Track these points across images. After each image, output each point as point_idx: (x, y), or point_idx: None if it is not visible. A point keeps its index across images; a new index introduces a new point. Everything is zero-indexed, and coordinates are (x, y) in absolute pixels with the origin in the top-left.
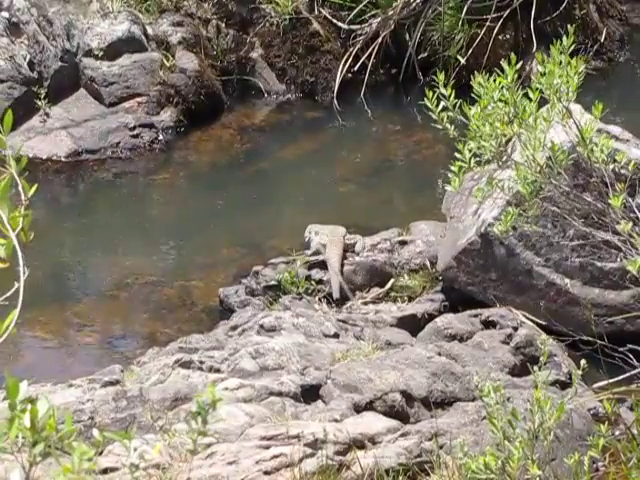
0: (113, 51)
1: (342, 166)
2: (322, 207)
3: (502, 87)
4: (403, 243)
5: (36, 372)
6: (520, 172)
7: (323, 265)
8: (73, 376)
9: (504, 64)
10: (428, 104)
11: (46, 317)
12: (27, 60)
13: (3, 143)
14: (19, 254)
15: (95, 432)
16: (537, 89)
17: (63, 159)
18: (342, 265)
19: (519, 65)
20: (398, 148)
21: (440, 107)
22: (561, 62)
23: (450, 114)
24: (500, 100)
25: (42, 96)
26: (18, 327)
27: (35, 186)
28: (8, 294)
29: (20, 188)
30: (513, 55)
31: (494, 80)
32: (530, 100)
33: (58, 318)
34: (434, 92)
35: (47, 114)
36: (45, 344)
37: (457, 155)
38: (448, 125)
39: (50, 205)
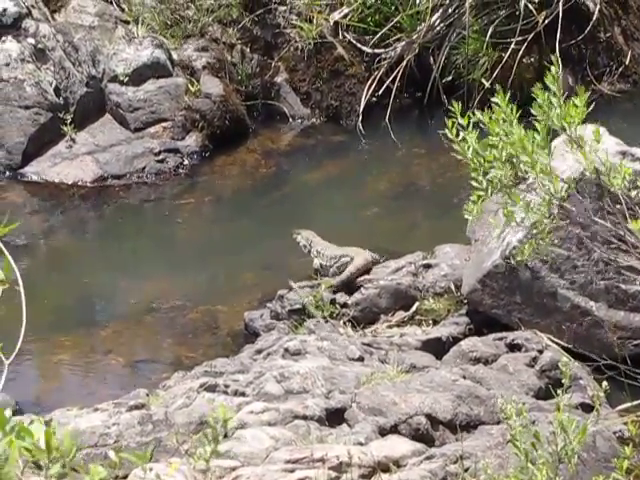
0: (138, 76)
1: (367, 190)
2: (347, 231)
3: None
4: (428, 266)
5: (62, 396)
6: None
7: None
8: (99, 400)
9: (499, 98)
10: (448, 134)
11: (72, 341)
12: (53, 86)
13: None
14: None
15: (111, 454)
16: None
17: (89, 184)
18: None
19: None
20: (422, 171)
21: (460, 137)
22: (555, 93)
23: (470, 143)
24: (505, 134)
25: (68, 122)
26: (44, 350)
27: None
28: None
29: None
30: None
31: (489, 117)
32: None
33: (84, 342)
34: (453, 122)
35: (73, 140)
36: (71, 368)
37: (474, 184)
38: (469, 155)
39: (76, 230)
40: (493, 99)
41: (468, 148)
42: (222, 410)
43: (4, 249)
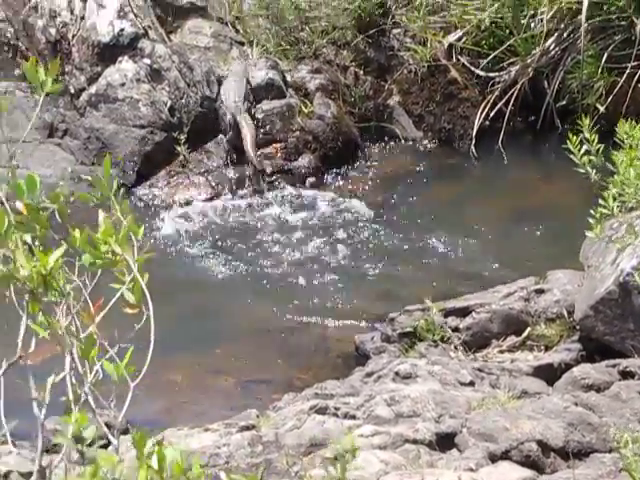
0: (252, 97)
1: (479, 213)
2: (459, 254)
3: None
4: (540, 292)
5: (172, 416)
6: None
7: (460, 312)
8: (209, 420)
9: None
10: (570, 147)
11: (182, 361)
12: (168, 106)
13: (105, 188)
14: (148, 298)
15: (222, 475)
16: None
17: (202, 203)
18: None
19: None
20: (536, 196)
21: (582, 151)
22: None
23: (593, 158)
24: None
25: (182, 141)
26: (155, 370)
27: (142, 228)
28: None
29: (131, 233)
30: None
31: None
32: None
33: (194, 362)
34: (576, 137)
35: (186, 159)
36: (181, 388)
37: (600, 201)
38: (589, 169)
39: (189, 248)
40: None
41: (590, 164)
42: (349, 438)
43: (139, 276)
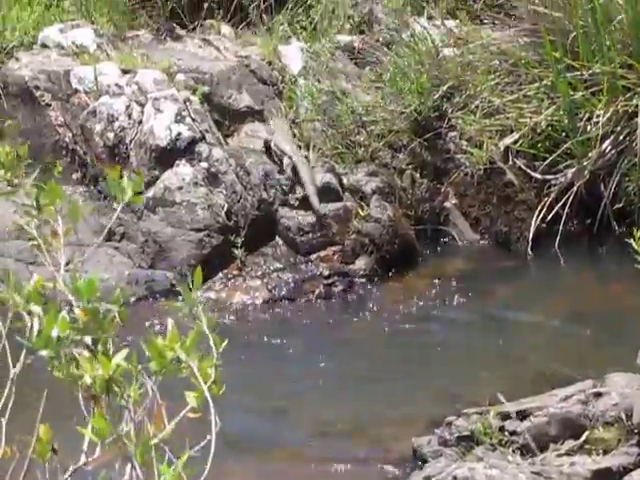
0: (309, 200)
1: (535, 315)
2: (513, 356)
3: None
4: (598, 395)
5: None
6: None
7: (518, 415)
8: None
9: None
10: (634, 245)
11: (241, 467)
12: (225, 209)
13: (191, 299)
14: (210, 405)
15: None
16: None
17: (259, 307)
18: None
19: None
20: (592, 299)
21: None
22: None
23: None
24: None
25: (239, 245)
26: (213, 476)
27: (225, 342)
28: (200, 445)
29: (211, 342)
30: None
31: None
32: None
33: (254, 468)
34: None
35: (243, 262)
36: None
37: None
38: None
39: (246, 351)
40: None
41: None
42: None
43: (202, 382)
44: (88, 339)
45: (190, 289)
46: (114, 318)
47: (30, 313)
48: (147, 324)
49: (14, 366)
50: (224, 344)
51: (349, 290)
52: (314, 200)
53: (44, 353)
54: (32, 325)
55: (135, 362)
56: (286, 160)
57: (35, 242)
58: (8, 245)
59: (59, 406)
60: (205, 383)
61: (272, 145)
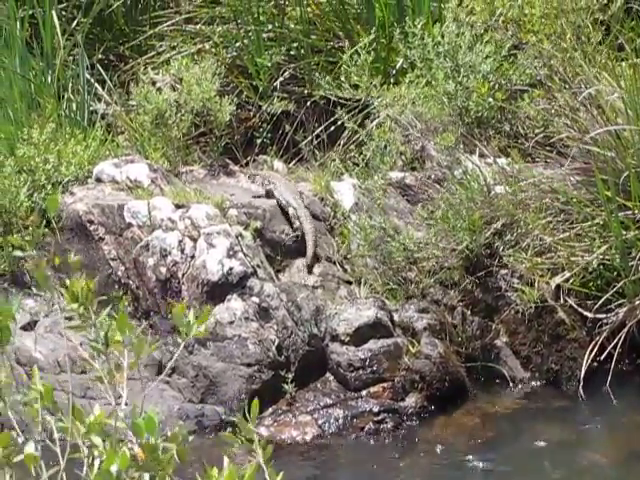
0: (360, 336)
1: (587, 456)
2: None
3: None
4: None
5: None
6: None
7: None
8: None
9: None
10: None
11: None
12: (275, 344)
13: (249, 430)
14: None
15: None
16: None
17: (308, 443)
18: None
19: None
20: None
21: None
22: None
23: None
24: None
25: (289, 380)
26: None
27: (281, 474)
28: None
29: (267, 476)
30: None
31: None
32: None
33: None
34: None
35: (293, 398)
36: None
37: None
38: None
39: None
40: None
41: None
42: None
43: None
44: (147, 476)
45: (247, 420)
46: (172, 456)
47: (90, 446)
48: (198, 459)
49: None
50: (279, 477)
51: (399, 427)
52: (310, 252)
53: None
54: (91, 457)
55: None
56: (291, 211)
57: (98, 375)
58: (64, 378)
59: None
60: None
61: (276, 195)
